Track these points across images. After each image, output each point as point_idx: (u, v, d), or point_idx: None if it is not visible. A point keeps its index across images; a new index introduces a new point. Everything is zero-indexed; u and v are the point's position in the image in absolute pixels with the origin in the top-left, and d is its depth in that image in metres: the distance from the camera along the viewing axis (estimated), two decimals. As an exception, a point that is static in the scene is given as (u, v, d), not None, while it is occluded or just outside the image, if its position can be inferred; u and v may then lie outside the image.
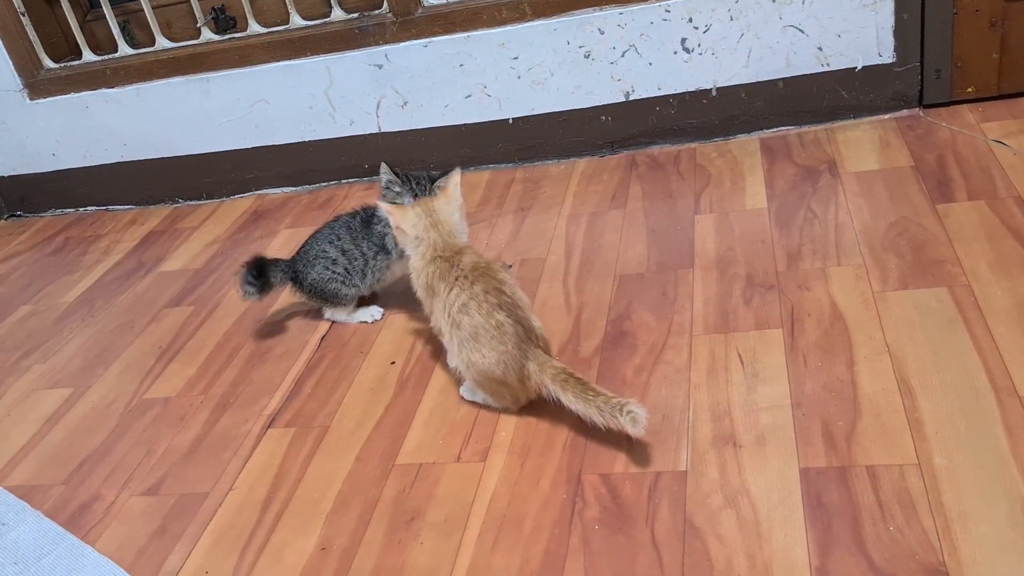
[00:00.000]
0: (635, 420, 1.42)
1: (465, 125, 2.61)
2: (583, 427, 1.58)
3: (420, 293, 1.71)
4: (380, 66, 2.57)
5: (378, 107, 2.64)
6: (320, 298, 2.04)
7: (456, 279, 1.61)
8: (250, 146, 2.78)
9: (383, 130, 2.67)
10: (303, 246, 2.07)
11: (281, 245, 2.48)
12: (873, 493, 1.33)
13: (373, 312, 2.05)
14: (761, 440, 1.47)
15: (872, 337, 1.63)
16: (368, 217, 2.02)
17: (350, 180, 2.77)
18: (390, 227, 1.81)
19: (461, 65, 2.52)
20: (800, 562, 1.25)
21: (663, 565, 1.30)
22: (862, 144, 2.27)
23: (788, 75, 2.35)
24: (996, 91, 2.26)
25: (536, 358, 1.55)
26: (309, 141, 2.74)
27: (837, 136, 2.33)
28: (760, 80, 2.37)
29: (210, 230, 2.69)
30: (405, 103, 2.62)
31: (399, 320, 2.02)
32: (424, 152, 2.66)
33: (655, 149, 2.51)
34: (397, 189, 1.90)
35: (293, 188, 2.82)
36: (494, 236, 2.28)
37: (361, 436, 1.69)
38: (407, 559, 1.41)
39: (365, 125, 2.68)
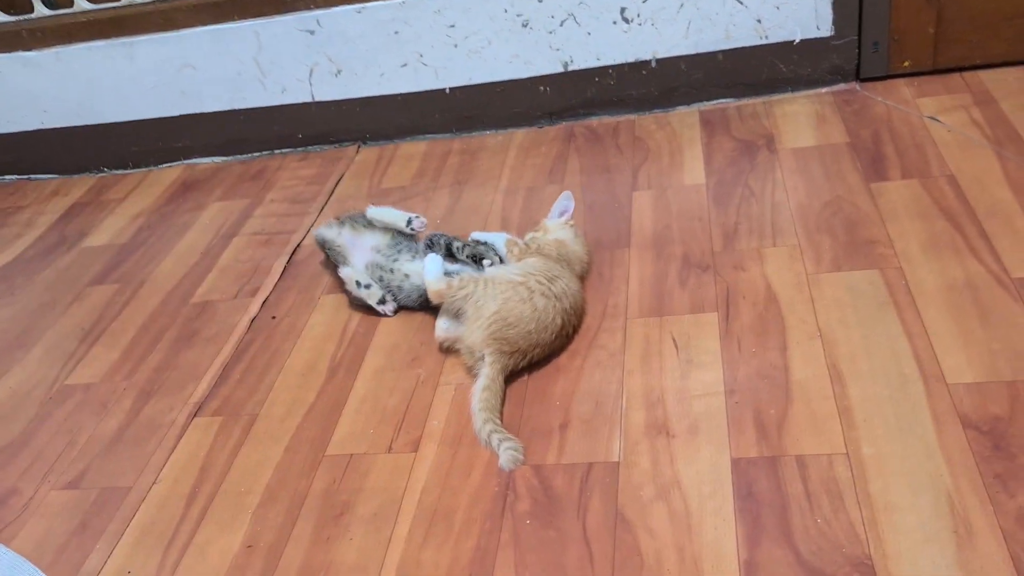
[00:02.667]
0: (512, 458, 1.46)
1: (401, 95, 2.54)
2: (516, 416, 1.56)
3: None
4: (312, 32, 2.48)
5: (311, 75, 2.55)
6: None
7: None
8: (177, 113, 2.67)
9: (316, 99, 2.58)
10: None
11: (211, 219, 2.41)
12: (802, 483, 1.34)
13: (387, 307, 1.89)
14: (694, 429, 1.46)
15: (805, 321, 1.63)
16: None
17: (284, 150, 2.69)
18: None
19: (396, 32, 2.44)
20: (729, 555, 1.26)
21: (593, 559, 1.29)
22: (799, 119, 2.25)
23: (728, 47, 2.32)
24: (932, 66, 2.26)
25: (504, 360, 1.59)
26: (239, 109, 2.64)
27: (775, 110, 2.32)
28: (700, 52, 2.34)
29: (136, 202, 2.59)
30: (339, 71, 2.53)
31: (332, 301, 1.97)
32: (360, 122, 2.59)
33: (594, 120, 2.47)
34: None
35: (224, 158, 2.73)
36: (430, 211, 2.23)
37: (291, 425, 1.65)
38: (335, 556, 1.38)
39: (298, 93, 2.59)
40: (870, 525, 1.26)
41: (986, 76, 2.23)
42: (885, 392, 1.46)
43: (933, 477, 1.30)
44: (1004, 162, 1.92)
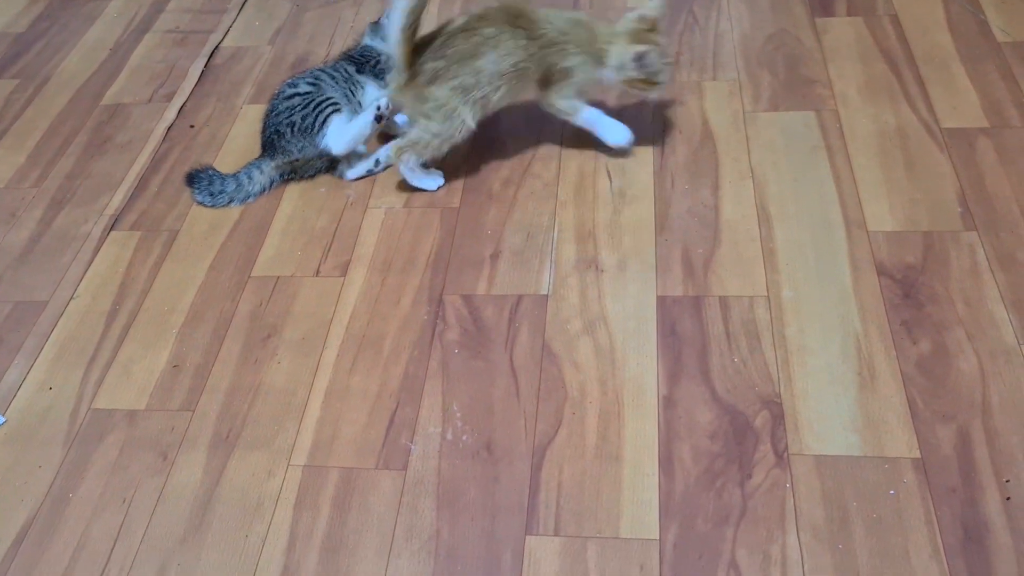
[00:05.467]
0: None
1: None
2: (447, 244, 1.55)
3: None
4: None
5: None
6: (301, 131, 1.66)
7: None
8: None
9: None
10: (273, 109, 1.68)
11: (118, 11, 2.22)
12: (723, 324, 1.38)
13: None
14: (623, 265, 1.48)
15: (738, 160, 1.63)
16: (348, 57, 1.77)
17: (196, -65, 2.46)
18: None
19: None
20: (649, 390, 1.31)
21: (519, 390, 1.33)
22: (750, -59, 2.16)
23: None
24: None
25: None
26: None
27: (726, -71, 2.21)
28: None
29: (33, -14, 2.37)
30: None
31: (255, 112, 1.87)
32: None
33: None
34: None
35: (130, -60, 2.49)
36: (359, 17, 2.10)
37: (214, 243, 1.61)
38: (264, 378, 1.39)
39: None
40: (783, 365, 1.32)
41: (942, -92, 2.15)
42: (809, 237, 1.49)
43: (845, 321, 1.37)
44: (948, 4, 1.90)
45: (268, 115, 1.68)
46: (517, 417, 1.30)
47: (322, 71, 1.72)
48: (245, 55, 2.04)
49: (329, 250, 1.57)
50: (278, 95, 1.68)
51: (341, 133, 1.64)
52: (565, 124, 1.74)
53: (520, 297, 1.46)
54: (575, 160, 1.68)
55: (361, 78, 1.74)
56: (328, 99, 1.65)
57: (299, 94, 1.66)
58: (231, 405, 1.35)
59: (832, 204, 1.54)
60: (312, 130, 1.63)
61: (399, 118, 1.72)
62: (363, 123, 1.64)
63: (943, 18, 1.87)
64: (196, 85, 1.96)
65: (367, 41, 1.78)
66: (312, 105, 1.64)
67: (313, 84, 1.68)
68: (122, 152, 1.82)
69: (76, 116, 1.92)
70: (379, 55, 1.75)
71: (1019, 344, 1.31)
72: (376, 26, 1.79)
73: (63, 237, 1.66)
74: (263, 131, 1.68)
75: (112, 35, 2.14)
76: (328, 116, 1.64)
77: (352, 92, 1.72)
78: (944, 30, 1.84)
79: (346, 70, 1.73)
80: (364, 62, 1.75)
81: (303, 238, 1.60)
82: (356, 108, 1.70)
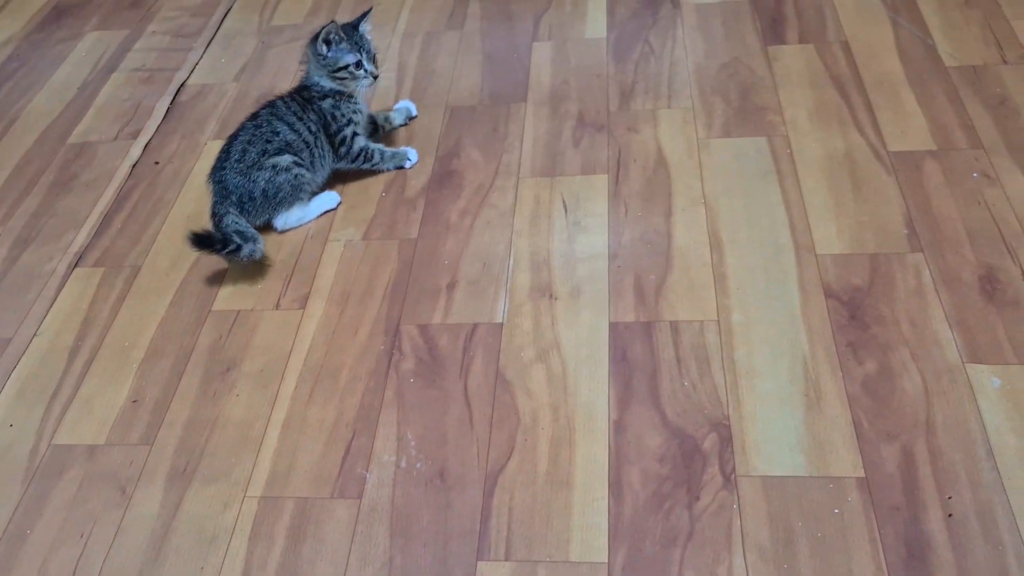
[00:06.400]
0: None
1: (293, -80, 2.37)
2: (404, 275, 1.58)
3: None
4: None
5: None
6: (275, 203, 1.66)
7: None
8: (45, -72, 2.45)
9: (200, -81, 2.39)
10: (227, 153, 1.67)
11: (87, 51, 2.26)
12: (674, 348, 1.41)
13: (332, 197, 1.73)
14: (576, 292, 1.51)
15: (691, 187, 1.67)
16: (297, 91, 1.73)
17: (165, -25, 2.50)
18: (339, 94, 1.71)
19: None
20: (600, 416, 1.33)
21: (472, 418, 1.35)
22: (706, -29, 2.21)
23: None
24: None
25: None
26: (115, -73, 2.43)
27: (682, -40, 2.26)
28: None
29: (2, 27, 2.40)
30: None
31: (218, 148, 1.90)
32: (248, -52, 2.42)
33: (498, -39, 2.36)
34: (345, 46, 1.68)
35: (100, -20, 2.53)
36: (323, 53, 2.14)
37: (176, 278, 1.63)
38: (222, 411, 1.41)
39: (179, -88, 2.39)
40: (731, 389, 1.34)
41: (891, -63, 2.21)
42: (759, 261, 1.52)
43: (793, 344, 1.39)
44: (898, 30, 1.95)
45: (240, 176, 1.64)
46: (470, 444, 1.32)
47: (281, 120, 1.68)
48: (210, 92, 2.07)
49: (289, 283, 1.60)
50: (251, 160, 1.64)
51: (295, 218, 1.69)
52: (523, 155, 1.78)
53: (475, 326, 1.48)
54: (532, 190, 1.71)
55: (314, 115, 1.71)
56: (305, 181, 1.68)
57: (282, 169, 1.65)
58: (189, 438, 1.37)
59: (782, 228, 1.57)
60: (281, 206, 1.67)
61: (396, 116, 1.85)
62: (316, 213, 1.70)
63: (892, 44, 1.91)
64: (161, 122, 1.99)
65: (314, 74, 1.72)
66: (289, 186, 1.65)
67: (289, 150, 1.66)
68: (87, 190, 1.84)
69: (42, 155, 1.95)
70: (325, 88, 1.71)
71: (962, 363, 1.34)
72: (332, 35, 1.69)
73: (28, 275, 1.67)
74: (225, 187, 1.65)
75: (80, 75, 2.17)
76: (297, 199, 1.68)
77: (311, 135, 1.70)
78: (893, 56, 1.88)
79: (297, 109, 1.70)
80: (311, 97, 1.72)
81: (263, 272, 1.62)
82: (315, 151, 1.70)
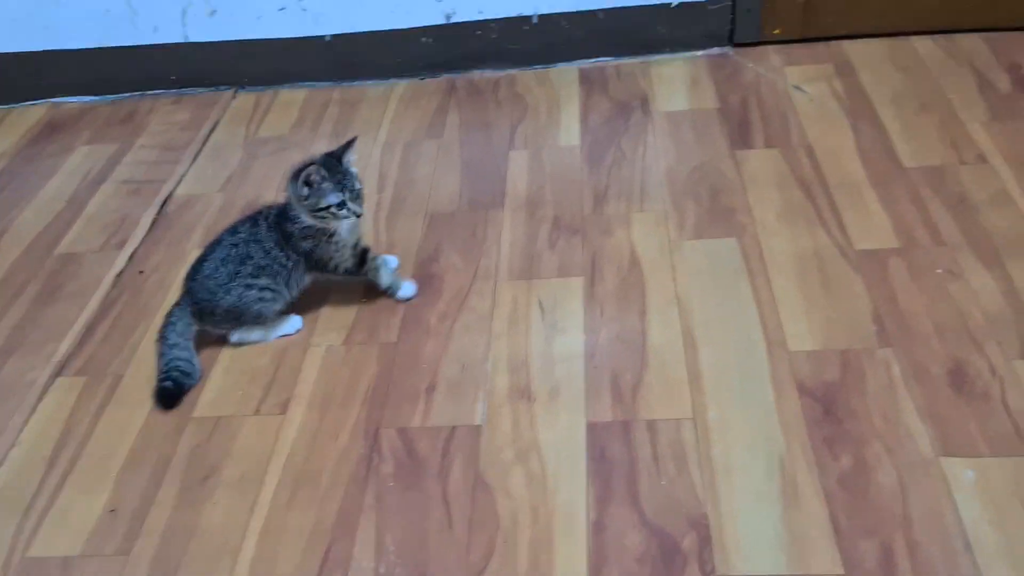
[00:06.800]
0: None
1: (280, 39, 2.47)
2: (384, 379, 1.59)
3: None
4: (184, -31, 2.38)
5: (184, 14, 2.45)
6: (237, 322, 1.68)
7: None
8: (40, 49, 2.54)
9: (190, 39, 2.49)
10: (201, 264, 1.67)
11: (77, 164, 2.32)
12: (651, 447, 1.42)
13: (294, 322, 1.73)
14: (554, 393, 1.53)
15: (665, 287, 1.71)
16: (278, 217, 1.66)
17: (155, 92, 2.59)
18: (307, 223, 1.62)
19: (273, -26, 2.37)
20: (579, 516, 1.33)
21: (452, 521, 1.35)
22: (674, 81, 2.31)
23: (608, 6, 2.34)
24: (801, 34, 2.34)
25: None
26: (108, 47, 2.52)
27: (652, 71, 2.36)
28: (580, 9, 2.35)
29: (-4, 143, 2.47)
30: (214, 11, 2.45)
31: (202, 256, 1.94)
32: (237, 66, 2.51)
33: (476, 74, 2.47)
34: (327, 185, 1.59)
35: (92, 98, 2.61)
36: (307, 163, 2.20)
37: (157, 385, 1.64)
38: (200, 519, 1.40)
39: (170, 33, 2.49)
40: (709, 486, 1.35)
41: (850, 47, 2.32)
42: (733, 359, 1.55)
43: (769, 441, 1.41)
44: (858, 135, 2.03)
45: (207, 293, 1.64)
46: (449, 548, 1.31)
47: (259, 243, 1.65)
48: (196, 202, 2.12)
49: (270, 389, 1.61)
50: (221, 279, 1.63)
51: (254, 337, 1.70)
52: (501, 259, 1.82)
53: (454, 428, 1.49)
54: (509, 292, 1.74)
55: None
56: (270, 308, 1.67)
57: (251, 298, 1.64)
58: (166, 548, 1.36)
59: (755, 326, 1.60)
60: (241, 326, 1.68)
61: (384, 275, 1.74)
62: (275, 336, 1.71)
63: (853, 147, 1.99)
64: (147, 232, 2.03)
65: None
66: (254, 310, 1.65)
67: (264, 273, 1.65)
68: (72, 300, 1.87)
69: (29, 267, 1.98)
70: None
71: (936, 456, 1.35)
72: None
73: (9, 386, 1.68)
74: (193, 296, 1.66)
75: (69, 187, 2.23)
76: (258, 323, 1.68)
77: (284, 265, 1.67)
78: (855, 158, 1.96)
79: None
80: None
81: (245, 377, 1.64)
82: (293, 273, 1.68)
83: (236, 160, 2.26)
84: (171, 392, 1.60)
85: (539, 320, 1.67)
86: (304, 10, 2.41)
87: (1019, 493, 1.29)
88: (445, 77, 2.48)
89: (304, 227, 1.63)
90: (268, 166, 2.22)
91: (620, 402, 1.50)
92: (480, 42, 2.43)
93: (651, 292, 1.70)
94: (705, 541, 1.28)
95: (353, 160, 1.65)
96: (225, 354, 1.69)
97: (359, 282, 1.74)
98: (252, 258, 1.64)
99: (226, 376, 1.64)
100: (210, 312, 1.65)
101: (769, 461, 1.38)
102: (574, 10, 2.36)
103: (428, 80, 2.48)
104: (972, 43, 2.27)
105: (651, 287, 1.71)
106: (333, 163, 1.62)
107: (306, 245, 1.65)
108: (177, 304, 1.69)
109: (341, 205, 1.60)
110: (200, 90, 2.57)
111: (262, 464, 1.47)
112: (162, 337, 1.66)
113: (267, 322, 1.69)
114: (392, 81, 2.50)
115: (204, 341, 1.71)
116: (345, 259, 1.69)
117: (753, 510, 1.31)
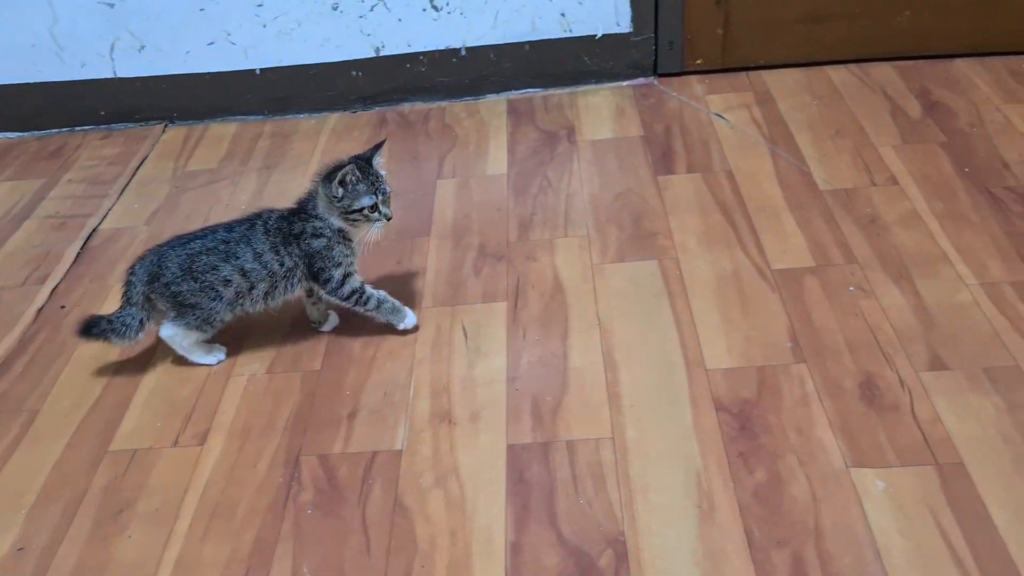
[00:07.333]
0: None
1: (210, 73, 2.48)
2: (306, 406, 1.58)
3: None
4: (112, 5, 2.38)
5: (112, 49, 2.45)
6: (179, 310, 1.63)
7: None
8: (-35, 85, 2.52)
9: (119, 75, 2.49)
10: (186, 243, 1.63)
11: (2, 197, 2.28)
12: (570, 467, 1.43)
13: (217, 354, 1.70)
14: (475, 417, 1.53)
15: (587, 310, 1.72)
16: (280, 220, 1.64)
17: (84, 127, 2.57)
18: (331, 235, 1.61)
19: (201, 9, 2.38)
20: (497, 538, 1.33)
21: (370, 547, 1.34)
22: (600, 111, 2.35)
23: (534, 39, 2.39)
24: (721, 64, 2.41)
25: None
26: (34, 83, 2.51)
27: (579, 101, 2.41)
28: (507, 42, 2.40)
29: (-82, 180, 2.43)
30: (142, 47, 2.45)
31: (126, 289, 1.92)
32: (166, 100, 2.51)
33: (406, 107, 2.49)
34: (361, 187, 1.58)
35: (19, 134, 2.59)
36: (235, 195, 2.20)
37: (75, 420, 1.61)
38: (112, 554, 1.37)
39: (99, 69, 2.48)
40: (627, 505, 1.36)
41: (768, 76, 2.39)
42: (653, 379, 1.57)
43: (686, 458, 1.42)
44: (776, 159, 2.08)
45: (177, 270, 1.60)
46: (367, 574, 1.30)
47: (249, 245, 1.62)
48: (122, 236, 2.10)
49: (189, 419, 1.59)
50: (197, 268, 1.60)
51: (181, 343, 1.67)
52: (426, 286, 1.83)
53: (375, 454, 1.48)
54: (434, 319, 1.75)
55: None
56: (219, 319, 1.65)
57: (228, 298, 1.63)
58: (76, 584, 1.33)
59: (674, 347, 1.62)
60: (180, 320, 1.64)
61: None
62: (195, 359, 1.69)
63: (772, 172, 2.04)
64: (71, 267, 2.01)
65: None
66: (203, 312, 1.63)
67: (244, 277, 1.62)
68: (-11, 336, 1.83)
69: (-54, 303, 1.94)
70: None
71: (847, 467, 1.38)
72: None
73: (-81, 424, 1.64)
74: (161, 262, 1.62)
75: (-9, 223, 2.20)
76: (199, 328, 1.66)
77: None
78: (773, 182, 2.01)
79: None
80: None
81: (164, 409, 1.62)
82: (279, 283, 1.65)
83: (164, 193, 2.25)
84: (91, 326, 1.64)
85: (463, 345, 1.68)
86: (233, 44, 2.42)
87: (927, 501, 1.32)
88: (376, 110, 2.50)
89: (326, 228, 1.61)
90: (196, 199, 2.21)
91: (540, 424, 1.50)
92: (409, 75, 2.45)
93: (573, 316, 1.72)
94: (622, 559, 1.28)
95: (380, 162, 1.63)
96: (145, 386, 1.67)
97: (283, 311, 1.74)
98: (238, 258, 1.61)
99: (145, 409, 1.62)
100: (166, 287, 1.61)
101: (687, 477, 1.39)
102: (501, 42, 2.40)
103: (360, 113, 2.50)
104: (884, 71, 2.35)
105: (573, 311, 1.73)
106: (364, 165, 1.59)
107: (317, 244, 1.61)
108: (141, 259, 1.66)
109: (374, 207, 1.58)
110: (130, 125, 2.56)
111: (178, 496, 1.45)
112: (125, 293, 1.66)
113: (206, 331, 1.65)
114: (324, 114, 2.51)
115: (126, 369, 1.69)
116: (354, 266, 1.66)
117: (670, 526, 1.32)
